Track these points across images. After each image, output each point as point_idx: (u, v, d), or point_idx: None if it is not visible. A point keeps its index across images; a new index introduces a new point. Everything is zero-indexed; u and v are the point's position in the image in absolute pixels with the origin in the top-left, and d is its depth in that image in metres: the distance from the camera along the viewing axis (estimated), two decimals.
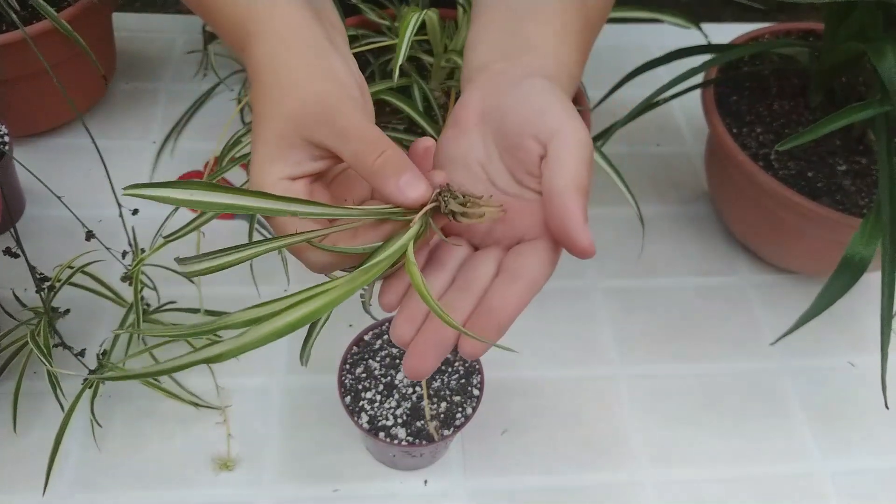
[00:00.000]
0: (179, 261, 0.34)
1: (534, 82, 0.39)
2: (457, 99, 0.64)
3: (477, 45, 0.45)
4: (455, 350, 0.36)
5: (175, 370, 0.31)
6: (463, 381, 0.57)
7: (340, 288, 0.34)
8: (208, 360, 0.31)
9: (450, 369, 0.58)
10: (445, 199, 0.36)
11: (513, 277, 0.36)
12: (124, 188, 0.34)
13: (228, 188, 0.34)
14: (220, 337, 0.31)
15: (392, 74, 0.50)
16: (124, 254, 0.66)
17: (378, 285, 0.38)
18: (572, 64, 0.44)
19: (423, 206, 0.36)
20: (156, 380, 0.59)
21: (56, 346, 0.58)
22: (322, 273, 0.38)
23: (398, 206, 0.36)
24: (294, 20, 0.40)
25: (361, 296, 0.39)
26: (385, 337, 0.59)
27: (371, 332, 0.60)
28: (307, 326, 0.50)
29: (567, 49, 0.44)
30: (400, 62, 0.48)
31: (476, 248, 0.39)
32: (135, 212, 0.61)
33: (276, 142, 0.37)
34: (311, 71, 0.38)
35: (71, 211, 0.61)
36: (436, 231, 0.37)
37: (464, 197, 0.36)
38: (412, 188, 0.35)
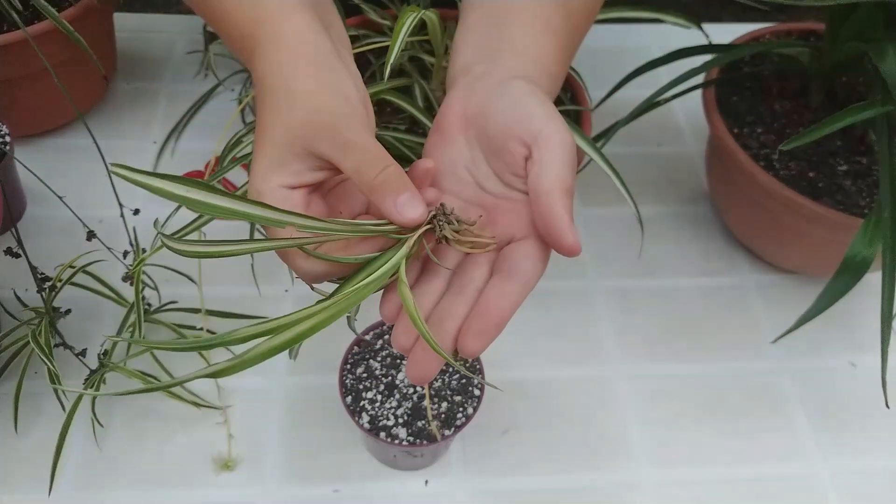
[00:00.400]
0: (165, 238, 0.34)
1: (515, 85, 0.40)
2: None
3: (461, 46, 0.45)
4: (455, 351, 0.36)
5: (177, 384, 0.32)
6: (464, 380, 0.57)
7: (336, 305, 0.34)
8: (211, 375, 0.32)
9: (451, 369, 0.58)
10: (441, 223, 0.37)
11: (507, 277, 0.36)
12: (112, 164, 0.34)
13: (227, 192, 0.35)
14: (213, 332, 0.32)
15: (384, 73, 0.50)
16: (125, 254, 0.66)
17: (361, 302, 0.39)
18: (552, 64, 0.44)
19: (418, 226, 0.36)
20: (156, 380, 0.60)
21: (57, 346, 0.58)
22: (312, 282, 0.38)
23: (393, 224, 0.36)
24: (305, 31, 0.40)
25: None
26: (386, 337, 0.59)
27: (372, 332, 0.60)
28: None
29: (548, 50, 0.44)
30: (392, 60, 0.48)
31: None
32: (136, 212, 0.61)
33: (278, 150, 0.37)
34: (319, 83, 0.38)
35: (72, 211, 0.61)
36: (428, 252, 0.37)
37: (458, 223, 0.37)
38: (410, 208, 0.35)
